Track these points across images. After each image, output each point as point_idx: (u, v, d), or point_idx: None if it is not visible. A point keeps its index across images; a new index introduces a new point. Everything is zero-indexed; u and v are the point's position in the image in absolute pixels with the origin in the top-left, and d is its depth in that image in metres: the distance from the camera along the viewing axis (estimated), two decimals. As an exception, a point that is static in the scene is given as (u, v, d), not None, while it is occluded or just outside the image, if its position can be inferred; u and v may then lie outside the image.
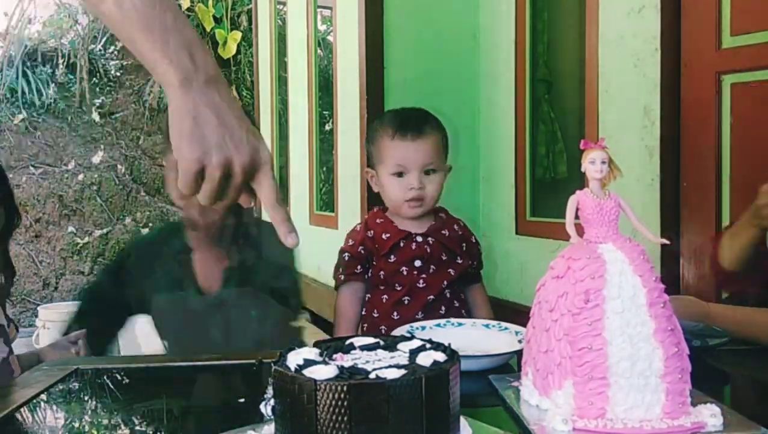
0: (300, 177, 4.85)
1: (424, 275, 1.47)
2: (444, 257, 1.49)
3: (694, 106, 2.14)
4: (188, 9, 7.00)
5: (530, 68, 2.92)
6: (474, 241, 1.57)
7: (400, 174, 1.46)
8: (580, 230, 0.87)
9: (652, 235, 0.89)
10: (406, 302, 1.47)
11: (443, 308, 1.47)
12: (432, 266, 1.47)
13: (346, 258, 1.53)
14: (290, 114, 5.26)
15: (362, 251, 1.52)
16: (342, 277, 1.53)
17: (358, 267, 1.52)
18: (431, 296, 1.46)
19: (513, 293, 2.87)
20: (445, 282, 1.47)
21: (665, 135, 2.19)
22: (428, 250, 1.47)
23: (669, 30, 2.18)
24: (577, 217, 0.87)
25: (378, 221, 1.54)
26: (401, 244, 1.49)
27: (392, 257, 1.49)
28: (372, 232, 1.52)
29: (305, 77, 4.69)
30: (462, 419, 0.72)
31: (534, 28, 2.94)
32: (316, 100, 4.59)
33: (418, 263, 1.47)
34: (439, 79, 3.23)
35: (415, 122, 1.47)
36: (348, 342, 0.78)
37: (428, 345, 0.76)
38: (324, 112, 4.79)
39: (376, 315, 1.51)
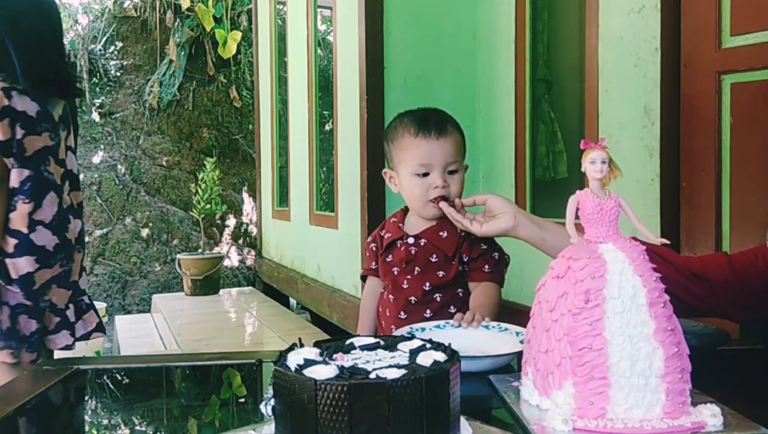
0: (300, 177, 4.85)
1: (408, 277, 1.47)
2: (434, 259, 1.46)
3: (694, 107, 2.14)
4: (188, 9, 7.01)
5: (530, 68, 2.92)
6: (485, 246, 1.47)
7: (423, 174, 1.44)
8: (580, 230, 0.87)
9: (652, 235, 0.89)
10: (391, 300, 1.49)
11: (428, 311, 1.44)
12: (417, 268, 1.46)
13: (367, 254, 1.60)
14: (290, 114, 5.26)
15: (373, 248, 1.57)
16: (361, 271, 1.63)
17: (373, 263, 1.57)
18: (413, 298, 1.45)
19: (513, 293, 2.87)
20: (428, 284, 1.44)
21: (665, 135, 2.19)
22: (413, 252, 1.47)
23: (669, 30, 2.18)
24: (577, 217, 0.87)
25: (392, 220, 1.56)
26: (397, 244, 1.51)
27: (389, 256, 1.51)
28: (384, 231, 1.56)
29: (305, 77, 4.69)
30: (462, 419, 0.72)
31: (534, 28, 2.94)
32: (316, 100, 4.59)
33: (404, 264, 1.48)
34: (439, 79, 3.24)
35: (437, 121, 1.46)
36: (348, 341, 0.78)
37: (428, 345, 0.76)
38: (324, 112, 4.80)
39: (380, 310, 1.55)
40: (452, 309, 1.44)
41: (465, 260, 1.46)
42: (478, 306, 1.38)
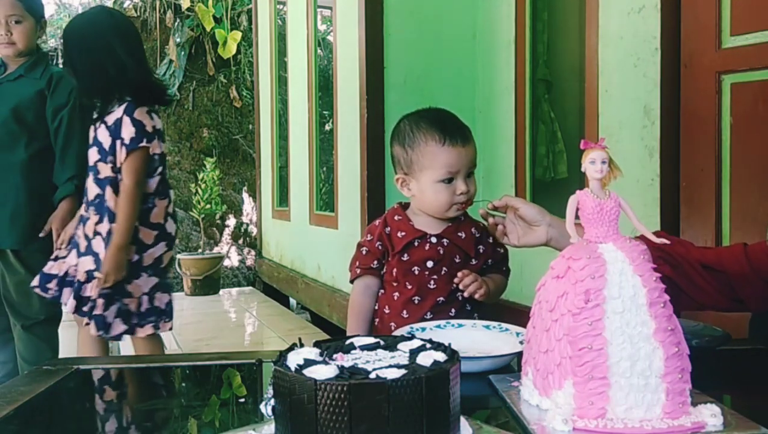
0: (300, 177, 4.85)
1: (435, 277, 1.47)
2: (457, 260, 1.49)
3: (694, 107, 2.15)
4: (188, 9, 7.01)
5: (530, 68, 2.92)
6: (492, 242, 1.55)
7: (448, 180, 1.46)
8: (580, 230, 0.87)
9: (652, 235, 0.89)
10: (416, 301, 1.47)
11: (453, 310, 1.47)
12: (444, 268, 1.47)
13: (364, 252, 1.53)
14: (290, 114, 5.26)
15: (379, 247, 1.51)
16: (358, 271, 1.54)
17: (374, 262, 1.52)
18: (441, 298, 1.46)
19: (513, 293, 2.86)
20: (454, 284, 1.47)
21: (665, 135, 2.19)
22: (441, 252, 1.47)
23: (669, 30, 2.18)
24: (577, 217, 0.87)
25: (396, 218, 1.53)
26: (415, 244, 1.48)
27: (405, 255, 1.48)
28: (389, 229, 1.52)
29: (305, 77, 4.69)
30: (462, 419, 0.72)
31: (534, 28, 2.94)
32: (316, 100, 4.59)
33: (430, 264, 1.47)
34: (439, 79, 3.23)
35: (459, 127, 1.49)
36: (348, 341, 0.78)
37: (428, 345, 0.76)
38: (324, 112, 4.80)
39: (387, 312, 1.51)
40: (468, 307, 1.49)
41: (489, 263, 1.54)
42: (487, 280, 1.48)
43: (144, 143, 2.14)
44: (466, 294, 1.44)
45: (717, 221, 2.07)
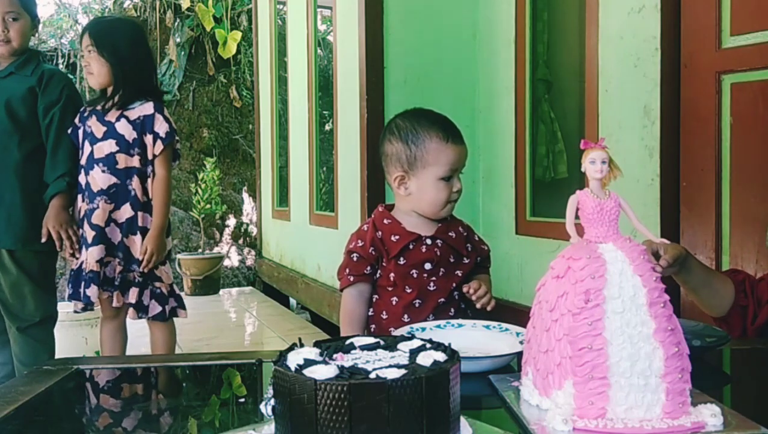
0: (300, 177, 4.85)
1: (434, 278, 1.46)
2: (452, 259, 1.49)
3: (694, 106, 2.15)
4: (188, 9, 7.00)
5: (530, 68, 2.92)
6: (477, 239, 1.58)
7: (448, 178, 1.47)
8: (580, 230, 0.87)
9: (652, 235, 0.89)
10: (417, 305, 1.46)
11: (452, 310, 1.47)
12: (442, 269, 1.47)
13: (355, 259, 1.49)
14: (290, 114, 5.26)
15: (373, 252, 1.48)
16: (351, 278, 1.50)
17: (368, 268, 1.49)
18: (442, 299, 1.46)
19: (513, 293, 2.88)
20: (454, 284, 1.48)
21: (665, 135, 2.19)
22: (437, 253, 1.47)
23: (669, 30, 2.18)
24: (577, 217, 0.87)
25: (386, 221, 1.51)
26: (411, 246, 1.47)
27: (402, 259, 1.47)
28: (381, 233, 1.49)
29: (305, 77, 4.69)
30: (462, 419, 0.72)
31: (534, 28, 2.94)
32: (316, 100, 4.59)
33: (428, 265, 1.46)
34: (439, 79, 3.23)
35: (455, 126, 1.51)
36: (348, 341, 0.78)
37: (428, 345, 0.76)
38: (324, 112, 4.79)
39: (384, 317, 1.49)
40: (462, 306, 1.51)
41: (478, 260, 1.56)
42: (485, 283, 1.51)
43: (175, 137, 2.41)
44: (478, 306, 1.45)
45: (717, 221, 2.07)
